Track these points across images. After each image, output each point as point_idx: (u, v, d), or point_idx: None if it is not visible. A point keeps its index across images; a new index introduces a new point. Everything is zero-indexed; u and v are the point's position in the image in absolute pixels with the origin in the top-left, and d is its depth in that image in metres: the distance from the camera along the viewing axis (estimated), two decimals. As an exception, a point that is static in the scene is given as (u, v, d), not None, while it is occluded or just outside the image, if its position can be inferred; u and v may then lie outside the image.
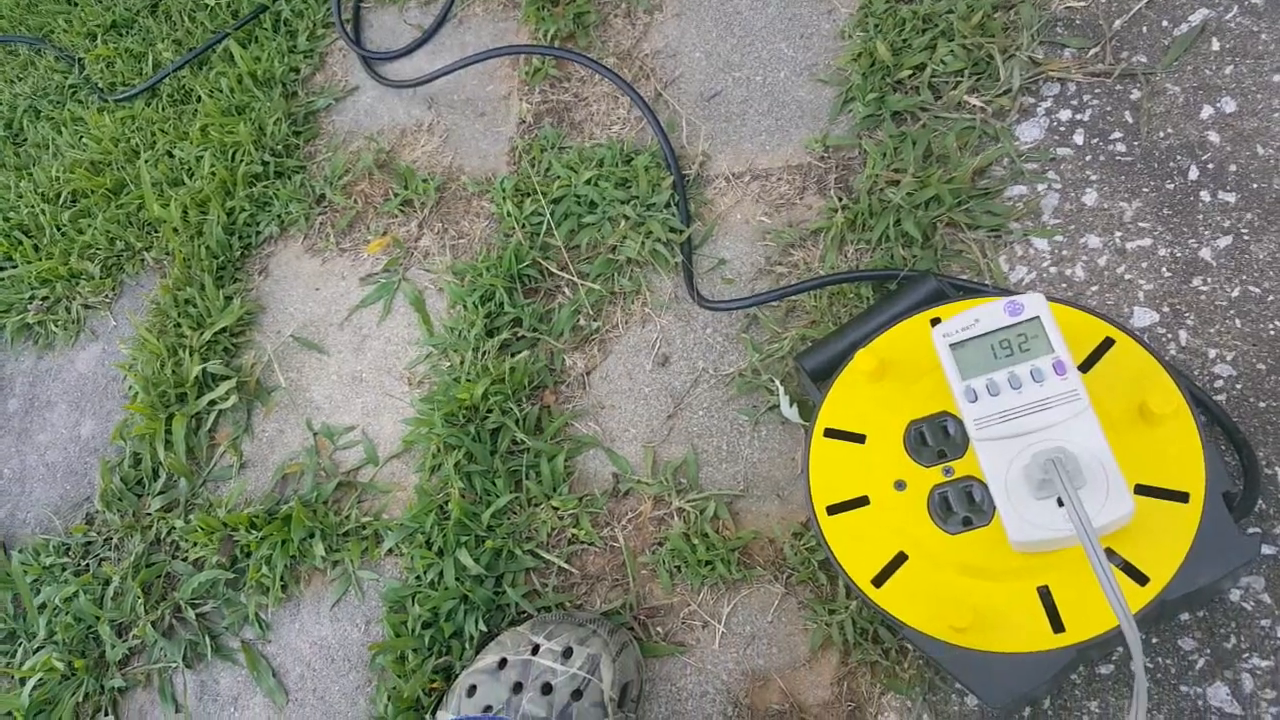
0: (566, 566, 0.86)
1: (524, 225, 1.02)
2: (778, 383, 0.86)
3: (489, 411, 0.93)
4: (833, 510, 0.70)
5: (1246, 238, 0.78)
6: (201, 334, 1.11)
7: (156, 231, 1.25)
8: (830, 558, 0.69)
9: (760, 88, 1.04)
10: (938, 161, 0.90)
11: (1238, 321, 0.75)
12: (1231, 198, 0.79)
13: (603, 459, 0.91)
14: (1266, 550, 0.68)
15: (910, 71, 0.96)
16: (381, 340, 1.06)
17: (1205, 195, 0.80)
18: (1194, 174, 0.81)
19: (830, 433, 0.73)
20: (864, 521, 0.69)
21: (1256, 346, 0.74)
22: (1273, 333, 0.74)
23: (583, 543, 0.87)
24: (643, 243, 0.97)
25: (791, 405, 0.84)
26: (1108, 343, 0.69)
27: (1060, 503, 0.60)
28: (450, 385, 0.96)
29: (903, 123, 0.94)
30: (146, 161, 1.29)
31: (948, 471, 0.68)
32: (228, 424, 1.08)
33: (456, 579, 0.85)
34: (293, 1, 1.36)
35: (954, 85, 0.93)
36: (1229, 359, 0.74)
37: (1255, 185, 0.79)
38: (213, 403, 1.08)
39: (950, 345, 0.67)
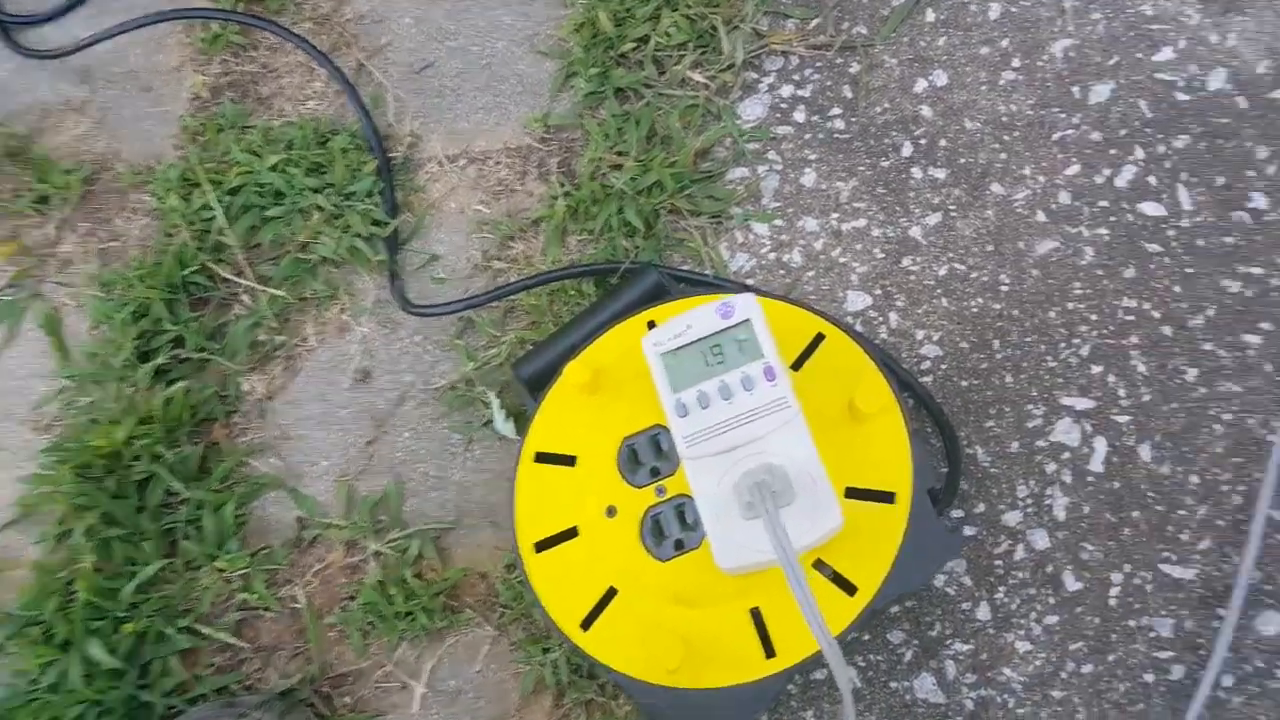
0: (234, 641, 0.76)
1: (191, 222, 0.90)
2: (492, 395, 0.80)
3: (135, 459, 0.80)
4: (541, 546, 0.65)
5: (954, 214, 0.79)
6: None
7: None
8: (536, 603, 0.63)
9: (477, 59, 0.97)
10: (661, 143, 0.87)
11: (944, 300, 0.76)
12: (941, 174, 0.80)
13: (285, 502, 0.81)
14: (967, 531, 0.70)
15: (634, 44, 0.91)
16: (2, 376, 0.90)
17: (917, 172, 0.81)
18: (907, 150, 0.82)
19: (540, 457, 0.68)
20: (573, 556, 0.65)
21: (960, 325, 0.76)
22: (975, 310, 0.76)
23: (255, 608, 0.77)
24: (339, 239, 0.87)
25: (507, 420, 0.79)
26: (819, 338, 0.68)
27: (769, 521, 0.58)
28: (85, 429, 0.82)
29: (626, 100, 0.90)
30: None
31: (660, 491, 0.65)
32: None
33: (85, 677, 0.73)
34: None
35: (678, 60, 0.90)
36: (936, 339, 0.75)
37: (963, 160, 0.81)
38: None
39: (661, 355, 0.64)
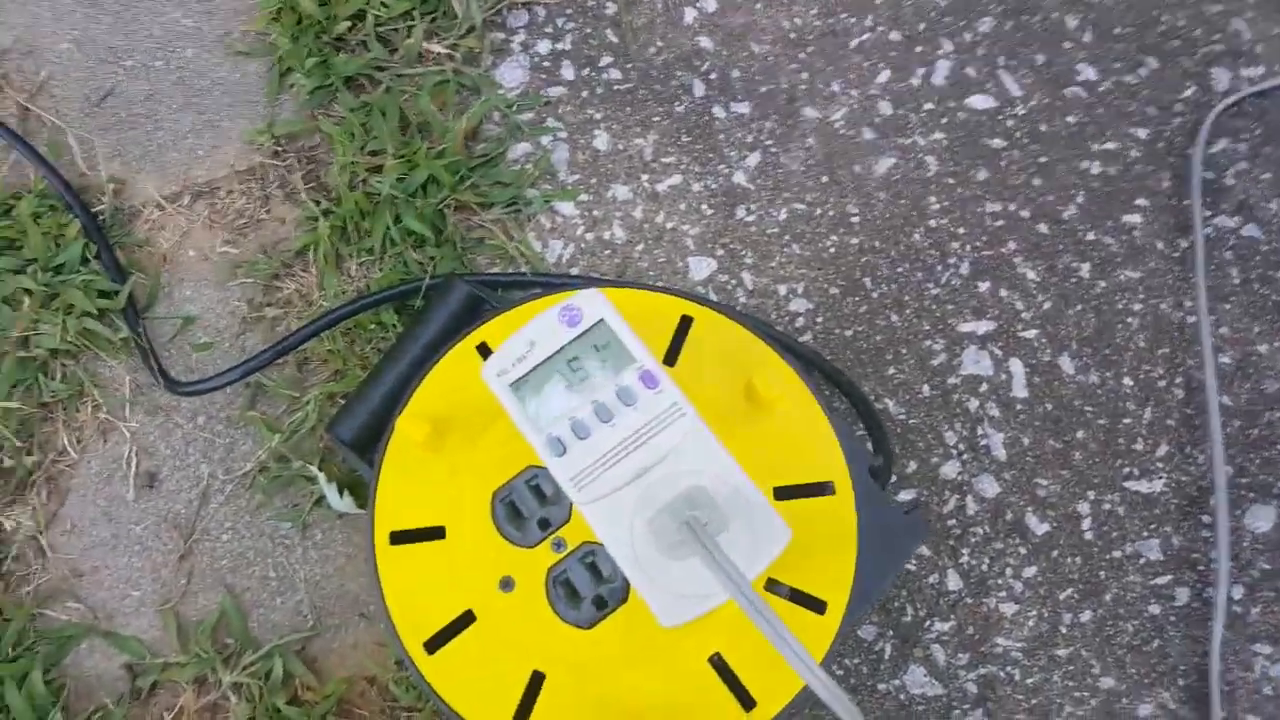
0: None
1: None
2: (314, 468, 0.66)
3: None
4: (434, 645, 0.53)
5: (774, 150, 0.72)
6: None
7: None
8: (449, 715, 0.51)
9: (166, 74, 0.79)
10: (419, 132, 0.74)
11: (795, 246, 0.69)
12: (745, 108, 0.73)
13: (104, 650, 0.65)
14: (904, 495, 0.64)
15: (349, 24, 0.77)
16: None
17: (719, 110, 0.73)
18: (700, 89, 0.74)
19: (397, 537, 0.55)
20: (476, 647, 0.53)
21: (822, 269, 0.69)
22: (832, 250, 0.69)
23: (109, 790, 0.62)
24: (64, 323, 0.70)
25: (342, 494, 0.66)
26: (686, 321, 0.58)
27: (702, 554, 0.48)
28: None
29: (361, 90, 0.77)
30: None
31: (558, 545, 0.54)
32: None
33: None
34: None
35: (407, 33, 0.77)
36: (801, 291, 0.68)
37: (764, 89, 0.73)
38: None
39: (510, 386, 0.52)
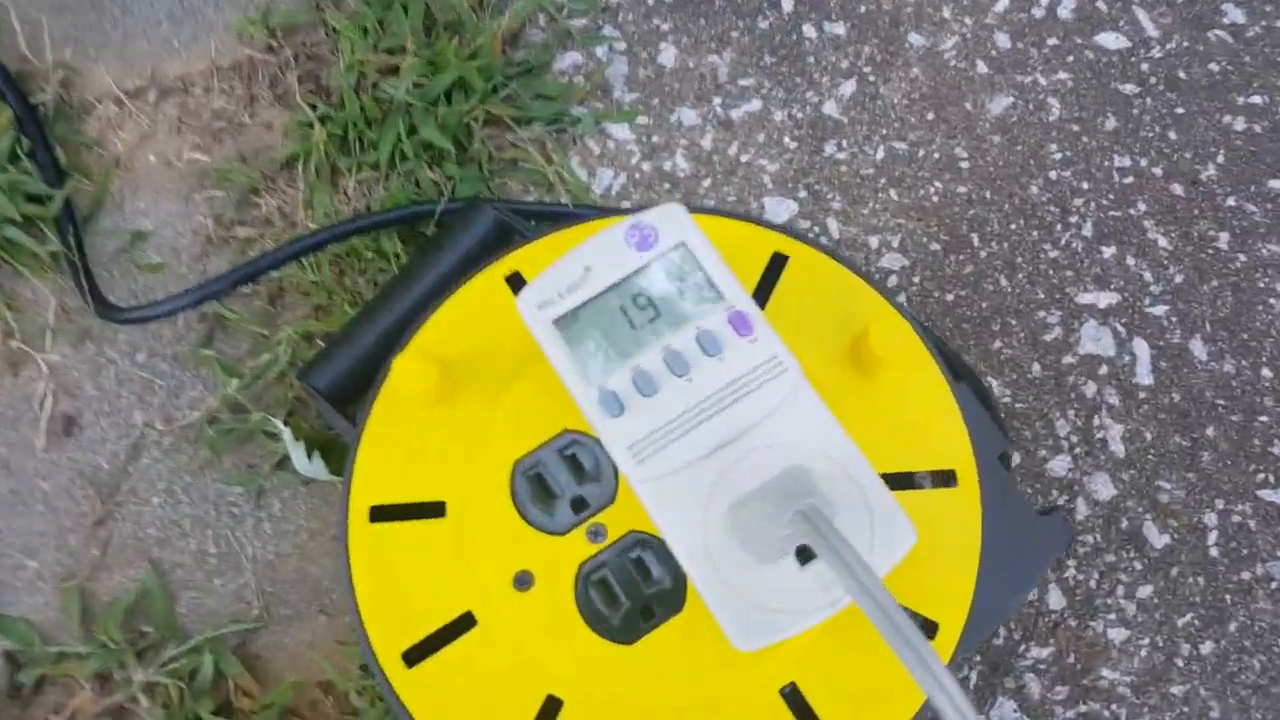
0: None
1: None
2: (280, 422, 0.60)
3: None
4: (415, 655, 0.44)
5: (872, 79, 0.69)
6: None
7: None
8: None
9: None
10: (448, 31, 0.69)
11: (892, 192, 0.66)
12: (841, 29, 0.70)
13: (-17, 634, 0.60)
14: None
15: None
16: None
17: (809, 30, 0.70)
18: (788, 4, 0.71)
19: (380, 513, 0.47)
20: (474, 658, 0.44)
21: (923, 220, 0.65)
22: (935, 198, 0.66)
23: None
24: (-19, 231, 0.65)
25: (311, 456, 0.60)
26: (779, 260, 0.50)
27: (801, 558, 0.38)
28: None
29: None
30: None
31: (596, 534, 0.45)
32: None
33: None
34: None
35: None
36: (896, 245, 0.65)
37: (863, 8, 0.70)
38: None
39: (554, 322, 0.42)
